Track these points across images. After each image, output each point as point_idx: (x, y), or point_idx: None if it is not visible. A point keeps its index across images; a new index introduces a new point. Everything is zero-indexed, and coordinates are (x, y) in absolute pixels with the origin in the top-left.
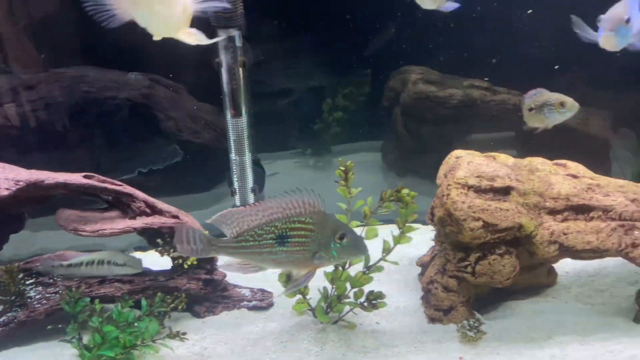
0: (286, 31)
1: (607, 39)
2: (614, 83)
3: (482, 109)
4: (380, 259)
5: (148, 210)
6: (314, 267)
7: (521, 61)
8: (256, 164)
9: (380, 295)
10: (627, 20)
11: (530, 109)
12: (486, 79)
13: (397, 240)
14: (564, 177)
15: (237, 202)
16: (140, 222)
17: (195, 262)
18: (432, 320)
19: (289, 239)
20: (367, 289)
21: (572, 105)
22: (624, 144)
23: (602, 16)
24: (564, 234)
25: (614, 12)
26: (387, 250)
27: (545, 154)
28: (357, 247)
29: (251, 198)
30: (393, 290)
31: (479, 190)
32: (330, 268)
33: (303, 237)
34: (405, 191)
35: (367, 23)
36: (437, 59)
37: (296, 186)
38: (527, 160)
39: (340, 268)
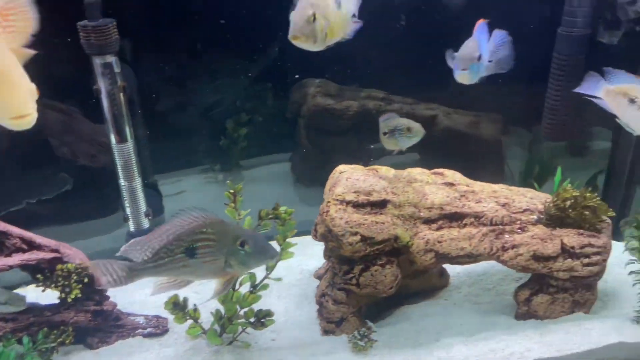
0: (185, 49)
1: (462, 77)
2: (504, 84)
3: (377, 118)
4: (265, 277)
5: (25, 247)
6: (231, 276)
7: (417, 69)
8: (151, 187)
9: (269, 314)
10: (479, 58)
11: (385, 133)
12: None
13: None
14: (438, 187)
15: (131, 228)
16: (16, 259)
17: (80, 295)
18: (326, 332)
19: (197, 250)
20: (266, 305)
21: (418, 130)
22: (519, 143)
23: (455, 54)
24: (439, 242)
25: (466, 51)
26: (270, 268)
27: (443, 157)
28: (263, 252)
29: (146, 223)
30: (291, 304)
31: (357, 205)
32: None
33: (208, 248)
34: (282, 209)
35: (267, 37)
36: (337, 70)
37: (205, 203)
38: (407, 171)
39: (230, 289)
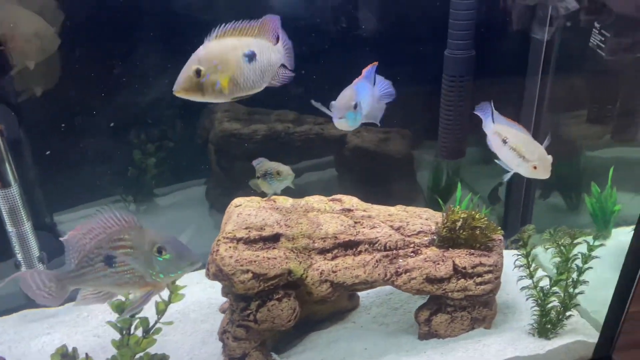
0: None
1: (340, 124)
2: (412, 99)
3: (286, 140)
4: (156, 322)
5: None
6: (151, 288)
7: (328, 90)
8: (47, 228)
9: (163, 358)
10: (355, 106)
11: (258, 177)
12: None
13: (167, 302)
14: (333, 216)
15: None
16: None
17: None
18: None
19: (115, 259)
20: (171, 343)
21: (287, 174)
22: (428, 158)
23: (333, 103)
24: (333, 271)
25: (343, 101)
26: (160, 312)
27: (357, 175)
28: (182, 258)
29: (40, 268)
30: (197, 341)
31: (248, 242)
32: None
33: (126, 256)
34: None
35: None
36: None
37: None
38: (305, 200)
39: (124, 332)
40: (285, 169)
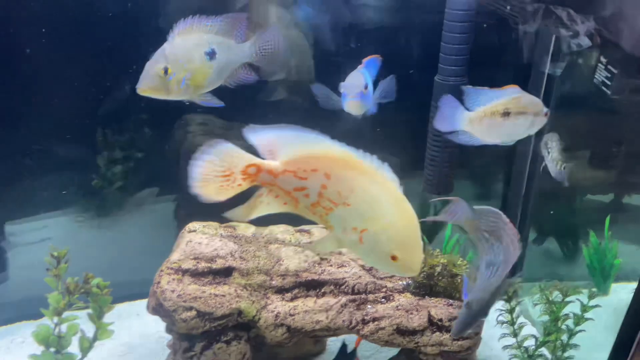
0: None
1: (352, 105)
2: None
3: None
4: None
5: None
6: None
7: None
8: None
9: None
10: (366, 87)
11: None
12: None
13: (92, 339)
14: (296, 250)
15: None
16: None
17: None
18: None
19: None
20: None
21: None
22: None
23: (342, 84)
24: (291, 315)
25: (354, 81)
26: (84, 349)
27: None
28: None
29: None
30: None
31: (196, 274)
32: None
33: None
34: (95, 281)
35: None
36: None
37: (75, 252)
38: (269, 229)
39: None
40: None
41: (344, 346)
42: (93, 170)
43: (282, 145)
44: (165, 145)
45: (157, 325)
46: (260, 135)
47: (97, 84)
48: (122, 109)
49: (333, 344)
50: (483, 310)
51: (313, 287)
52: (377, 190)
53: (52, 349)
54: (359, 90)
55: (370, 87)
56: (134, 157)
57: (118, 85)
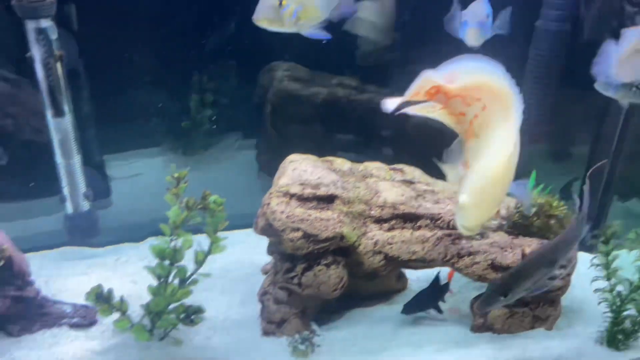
0: (142, 17)
1: (472, 34)
2: None
3: (347, 108)
4: (194, 273)
5: None
6: None
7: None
8: (96, 167)
9: (199, 310)
10: (487, 16)
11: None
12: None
13: (207, 252)
14: (393, 185)
15: (68, 210)
16: None
17: None
18: (266, 333)
19: None
20: (207, 300)
21: None
22: None
23: (464, 12)
24: (389, 243)
25: (477, 9)
26: (199, 262)
27: (417, 154)
28: None
29: (85, 205)
30: (235, 300)
31: (302, 199)
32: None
33: None
34: (212, 198)
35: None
36: (309, 54)
37: (161, 188)
38: (363, 165)
39: (162, 280)
40: None
41: (436, 278)
42: (184, 112)
43: (461, 73)
44: (251, 91)
45: (247, 254)
46: (445, 67)
47: (197, 29)
48: (216, 53)
49: (414, 283)
50: (513, 296)
51: (410, 219)
52: (501, 139)
53: (167, 262)
54: (480, 18)
55: (491, 17)
56: (222, 103)
57: (221, 27)
